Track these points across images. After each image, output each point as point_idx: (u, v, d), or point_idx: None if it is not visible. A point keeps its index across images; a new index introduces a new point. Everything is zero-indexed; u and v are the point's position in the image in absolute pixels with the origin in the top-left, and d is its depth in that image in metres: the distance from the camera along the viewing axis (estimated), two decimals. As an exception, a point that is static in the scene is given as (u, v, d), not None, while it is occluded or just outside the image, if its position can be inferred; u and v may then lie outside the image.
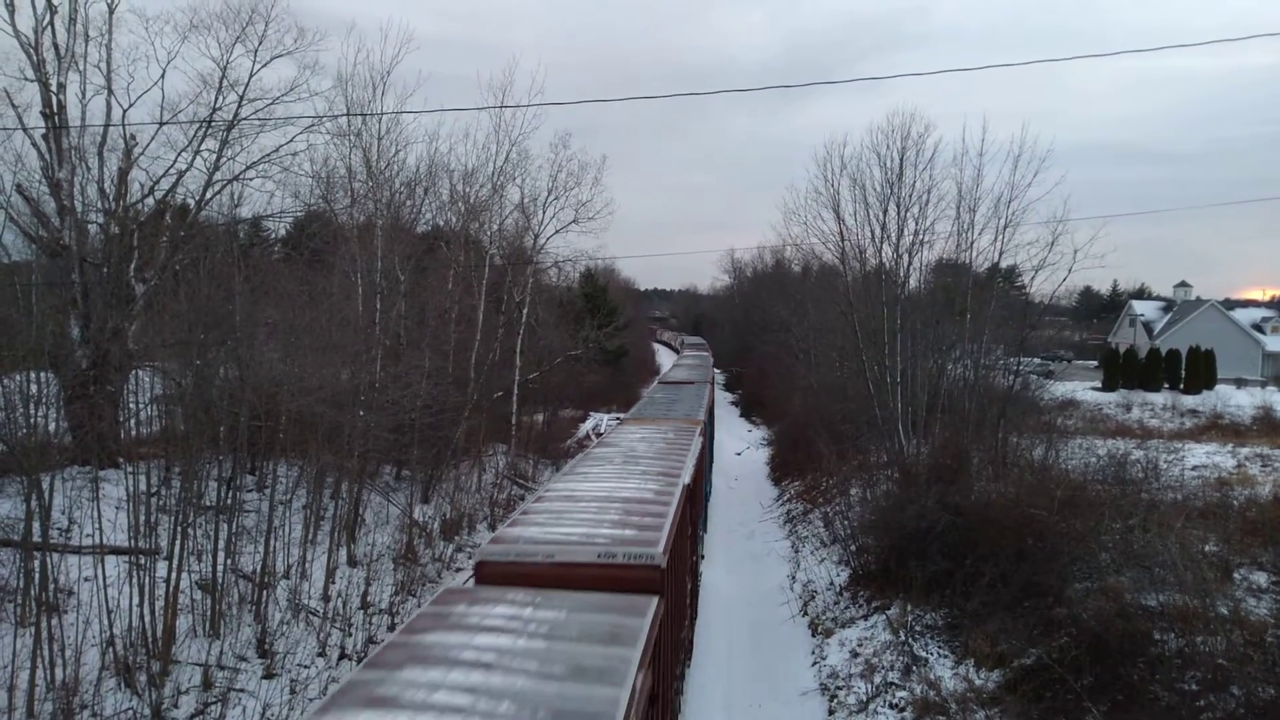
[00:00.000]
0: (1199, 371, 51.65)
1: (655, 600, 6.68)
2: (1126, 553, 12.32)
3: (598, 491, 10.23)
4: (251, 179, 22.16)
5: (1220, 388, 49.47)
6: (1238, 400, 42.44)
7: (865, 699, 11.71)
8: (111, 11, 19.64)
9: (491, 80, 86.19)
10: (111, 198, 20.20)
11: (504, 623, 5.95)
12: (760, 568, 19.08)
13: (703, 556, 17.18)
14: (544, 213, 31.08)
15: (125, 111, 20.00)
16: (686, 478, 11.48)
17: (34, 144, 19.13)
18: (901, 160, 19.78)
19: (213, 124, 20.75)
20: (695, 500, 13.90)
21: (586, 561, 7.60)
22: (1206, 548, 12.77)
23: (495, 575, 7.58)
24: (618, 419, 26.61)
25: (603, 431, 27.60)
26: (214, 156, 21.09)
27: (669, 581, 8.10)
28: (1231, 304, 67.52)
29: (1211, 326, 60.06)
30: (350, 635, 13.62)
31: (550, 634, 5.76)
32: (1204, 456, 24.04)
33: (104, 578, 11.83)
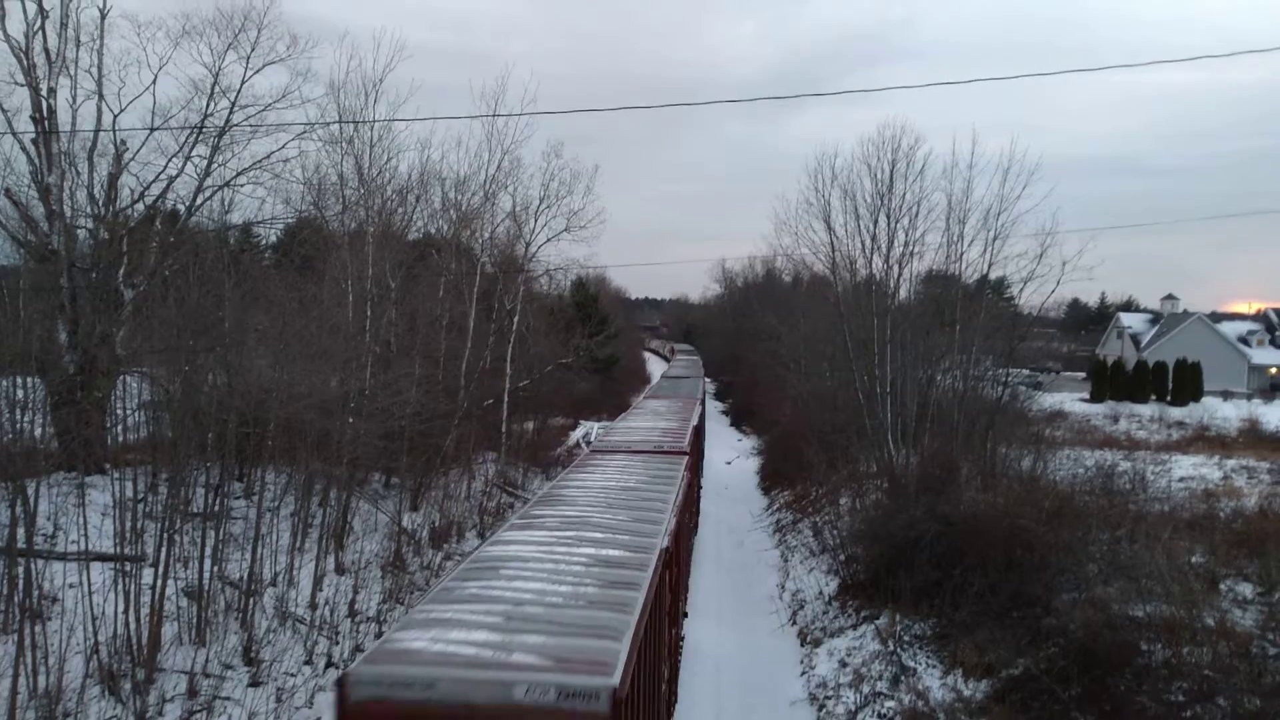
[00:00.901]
0: (1186, 384, 52.00)
1: None
2: (1114, 563, 12.39)
3: (537, 568, 7.63)
4: (243, 185, 22.12)
5: (1207, 400, 49.80)
6: (1224, 412, 42.74)
7: (854, 709, 11.71)
8: (103, 17, 19.59)
9: (484, 89, 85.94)
10: (101, 203, 20.12)
11: None
12: (749, 577, 19.08)
13: (686, 614, 14.27)
14: (536, 221, 31.13)
15: (116, 117, 19.94)
16: (664, 539, 9.23)
17: (23, 148, 19.04)
18: (892, 172, 19.95)
19: (204, 130, 20.70)
20: (677, 561, 11.36)
21: (498, 704, 5.26)
22: (1193, 559, 12.85)
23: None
24: (607, 427, 26.59)
25: (592, 440, 27.54)
26: (205, 162, 21.04)
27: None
28: (1218, 317, 68.04)
29: (1198, 339, 60.49)
30: (337, 644, 13.54)
31: None
32: (1191, 468, 24.20)
33: (89, 584, 11.73)
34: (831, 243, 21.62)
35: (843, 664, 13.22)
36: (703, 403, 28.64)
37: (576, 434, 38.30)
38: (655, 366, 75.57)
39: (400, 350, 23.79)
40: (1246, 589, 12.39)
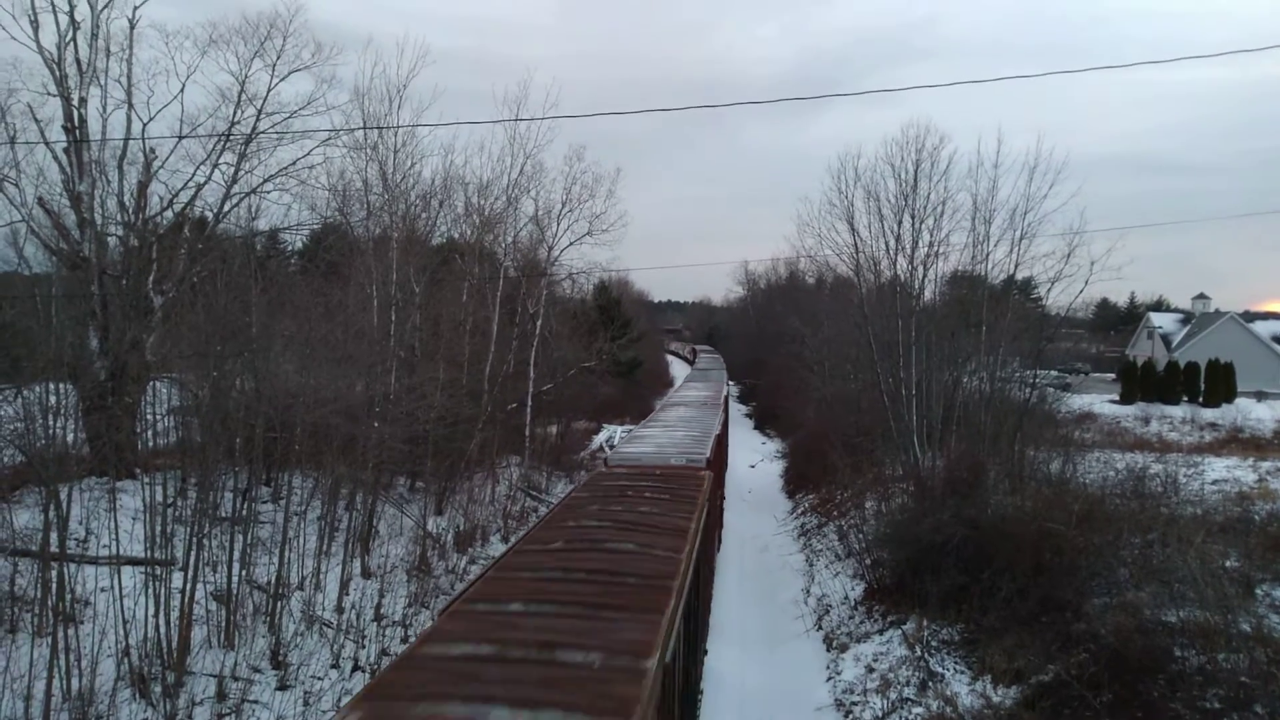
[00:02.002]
0: (1218, 384, 51.12)
1: None
2: (1146, 568, 12.18)
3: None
4: (269, 192, 22.41)
5: (1240, 401, 48.96)
6: (1258, 413, 42.02)
7: (881, 715, 11.60)
8: (133, 27, 19.95)
9: (506, 94, 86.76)
10: (131, 211, 20.43)
11: None
12: (774, 582, 18.97)
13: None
14: (558, 225, 31.26)
15: (145, 125, 20.28)
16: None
17: (55, 158, 19.40)
18: (916, 172, 19.76)
19: (231, 138, 20.99)
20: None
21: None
22: (1227, 563, 12.59)
23: None
24: (630, 430, 26.56)
25: (615, 444, 27.52)
26: (232, 170, 21.33)
27: None
28: (1251, 316, 66.81)
29: (1231, 339, 59.46)
30: (364, 647, 13.61)
31: None
32: (1224, 470, 23.76)
33: (120, 588, 11.89)
34: (855, 244, 21.48)
35: (869, 669, 13.10)
36: (725, 409, 28.50)
37: (600, 437, 38.34)
38: (678, 369, 75.50)
39: (424, 354, 23.94)
40: (1283, 594, 12.14)
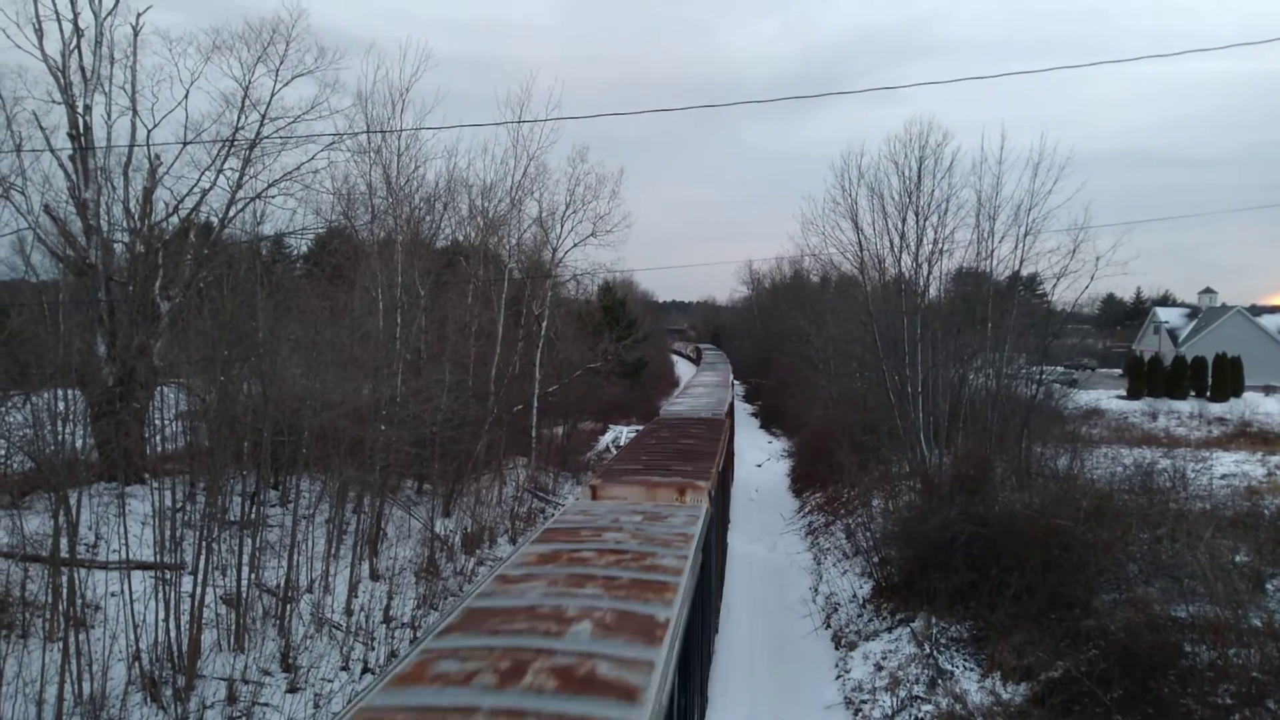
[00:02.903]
0: (1226, 379, 50.90)
1: None
2: (1155, 563, 12.15)
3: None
4: (274, 197, 22.47)
5: (1248, 395, 48.74)
6: (1266, 407, 41.85)
7: (890, 713, 11.58)
8: (136, 34, 20.00)
9: (509, 96, 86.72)
10: (136, 217, 20.50)
11: None
12: (781, 581, 18.96)
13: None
14: (562, 226, 31.27)
15: (150, 132, 20.35)
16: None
17: (61, 165, 19.48)
18: (920, 169, 19.74)
19: (235, 143, 21.04)
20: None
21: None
22: (1237, 558, 12.55)
23: None
24: (636, 430, 26.61)
25: (622, 443, 27.54)
26: (237, 175, 21.40)
27: None
28: (1258, 310, 66.50)
29: (1238, 333, 59.19)
30: (373, 649, 13.65)
31: None
32: (1233, 465, 23.69)
33: (130, 593, 11.95)
34: (859, 242, 21.46)
35: (878, 667, 13.08)
36: (731, 410, 28.49)
37: (606, 438, 38.36)
38: (684, 369, 75.50)
39: (430, 357, 23.98)
40: (1294, 588, 12.10)
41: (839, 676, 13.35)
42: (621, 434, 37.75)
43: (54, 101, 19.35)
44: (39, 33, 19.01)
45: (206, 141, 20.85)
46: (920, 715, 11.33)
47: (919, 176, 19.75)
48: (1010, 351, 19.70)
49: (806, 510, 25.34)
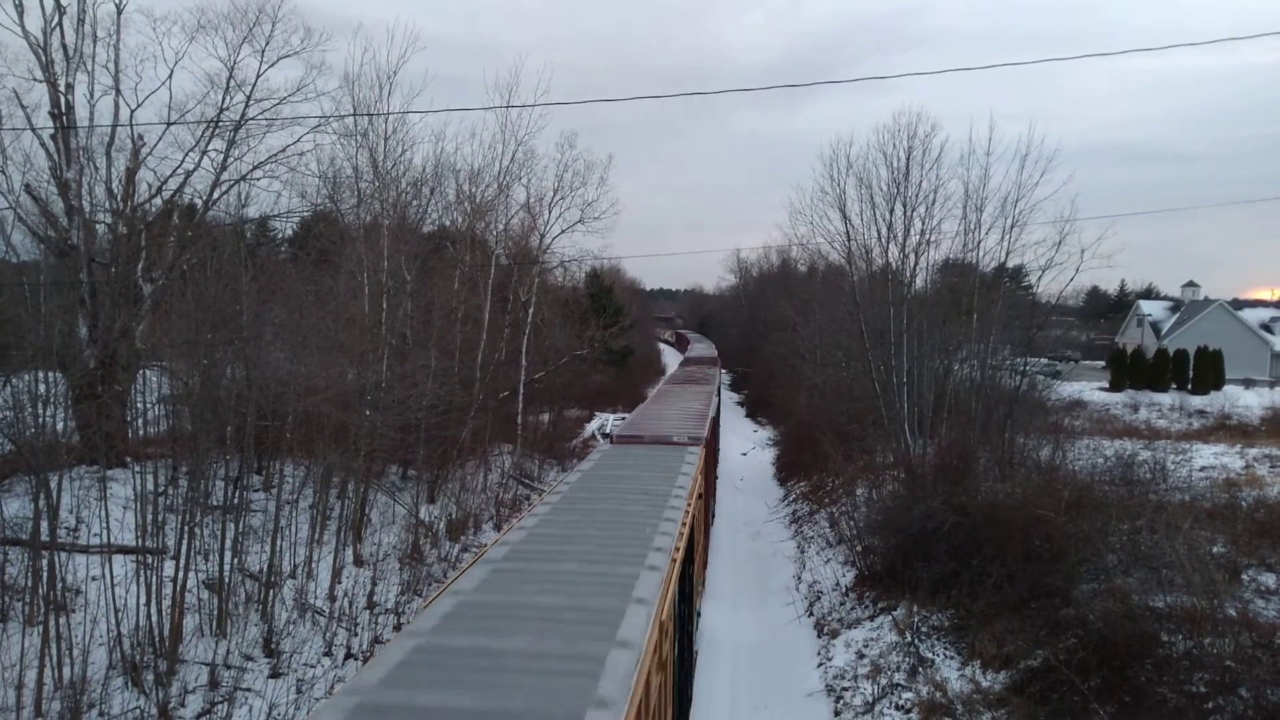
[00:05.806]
0: (1207, 372, 51.40)
1: None
2: (1134, 554, 12.29)
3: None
4: (258, 179, 22.26)
5: (1228, 388, 49.22)
6: (1246, 401, 42.26)
7: (871, 700, 11.69)
8: (119, 12, 19.71)
9: (497, 80, 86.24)
10: (119, 198, 20.27)
11: None
12: (765, 568, 19.06)
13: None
14: (550, 212, 31.18)
15: (133, 112, 20.09)
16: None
17: (42, 144, 19.22)
18: (908, 160, 19.77)
19: (220, 124, 20.81)
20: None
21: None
22: (1214, 549, 12.72)
23: None
24: (622, 418, 26.57)
25: (609, 431, 27.53)
26: (221, 156, 21.17)
27: None
28: (1239, 304, 67.15)
29: (1219, 327, 59.76)
30: (356, 635, 13.65)
31: None
32: (1212, 457, 23.93)
33: (111, 577, 11.89)
34: (847, 232, 21.50)
35: (860, 655, 13.19)
36: (718, 395, 28.53)
37: (592, 425, 38.37)
38: (670, 357, 75.51)
39: (416, 343, 23.88)
40: (1270, 579, 12.27)
41: (821, 664, 13.45)
42: (608, 421, 37.74)
43: (35, 80, 19.08)
44: (19, 9, 18.71)
45: (191, 122, 20.62)
46: (901, 703, 11.43)
47: (907, 167, 19.80)
48: (995, 343, 19.81)
49: (791, 499, 25.45)
